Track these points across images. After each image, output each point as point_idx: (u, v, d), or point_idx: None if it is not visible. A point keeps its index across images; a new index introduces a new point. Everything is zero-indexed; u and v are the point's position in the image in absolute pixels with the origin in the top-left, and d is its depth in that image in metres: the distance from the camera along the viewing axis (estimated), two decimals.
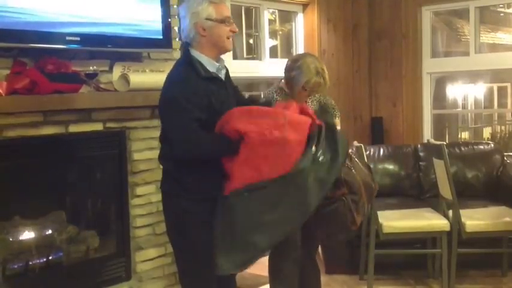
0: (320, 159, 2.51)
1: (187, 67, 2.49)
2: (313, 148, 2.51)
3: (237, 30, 2.57)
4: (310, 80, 3.11)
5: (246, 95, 3.11)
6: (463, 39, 11.35)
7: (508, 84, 13.45)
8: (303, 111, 2.64)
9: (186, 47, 2.55)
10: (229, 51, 2.62)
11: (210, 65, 2.51)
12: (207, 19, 2.47)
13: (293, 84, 3.16)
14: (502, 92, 13.52)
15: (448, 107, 11.71)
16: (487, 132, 12.58)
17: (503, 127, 12.68)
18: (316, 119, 2.60)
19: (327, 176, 2.52)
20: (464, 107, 12.63)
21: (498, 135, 12.02)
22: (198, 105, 2.42)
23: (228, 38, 2.54)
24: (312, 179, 2.47)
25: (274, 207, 2.46)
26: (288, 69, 3.20)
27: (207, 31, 2.48)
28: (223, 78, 2.59)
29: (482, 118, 12.78)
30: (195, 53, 2.51)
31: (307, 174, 2.46)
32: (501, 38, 11.73)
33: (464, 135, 12.25)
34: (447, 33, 10.94)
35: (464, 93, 12.54)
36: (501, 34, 11.92)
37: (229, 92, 2.63)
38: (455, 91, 12.32)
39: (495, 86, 13.46)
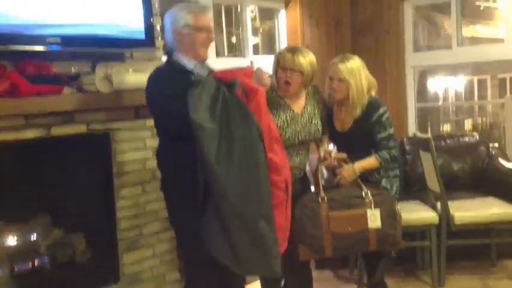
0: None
1: (166, 65, 2.74)
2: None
3: (213, 38, 2.78)
4: (284, 55, 3.11)
5: None
6: (442, 33, 11.45)
7: (488, 77, 13.58)
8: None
9: (168, 53, 2.76)
10: (205, 59, 2.75)
11: (189, 63, 2.69)
12: (184, 26, 2.67)
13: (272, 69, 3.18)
14: (482, 84, 13.64)
15: (430, 100, 11.79)
16: (468, 124, 12.69)
17: (484, 118, 12.80)
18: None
19: None
20: (445, 99, 12.72)
21: (480, 126, 12.12)
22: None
23: (204, 47, 2.71)
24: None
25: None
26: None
27: (184, 37, 2.68)
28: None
29: (464, 110, 12.89)
30: (176, 55, 2.71)
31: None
32: (479, 31, 11.83)
33: (446, 127, 12.36)
34: (427, 27, 11.02)
35: (445, 86, 12.64)
36: (479, 27, 12.02)
37: None
38: (436, 84, 12.41)
39: (475, 79, 13.58)
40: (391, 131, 3.30)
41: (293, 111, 3.15)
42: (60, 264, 3.21)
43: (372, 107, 3.28)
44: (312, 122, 3.19)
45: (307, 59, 3.13)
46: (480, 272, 4.12)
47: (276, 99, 3.14)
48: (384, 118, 3.27)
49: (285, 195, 2.71)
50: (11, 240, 3.09)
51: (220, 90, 2.52)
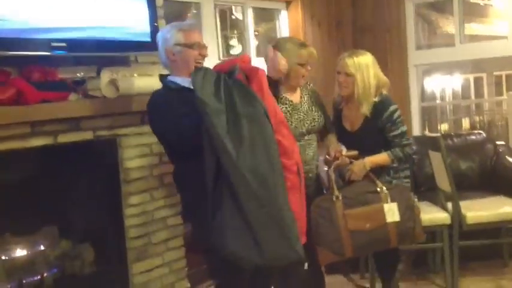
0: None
1: (163, 89, 2.70)
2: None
3: (207, 54, 2.74)
4: (301, 53, 3.10)
5: None
6: (438, 32, 11.43)
7: (484, 75, 13.57)
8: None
9: (161, 79, 2.73)
10: None
11: (183, 82, 2.63)
12: (175, 44, 2.66)
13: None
14: (478, 82, 13.64)
15: (427, 99, 11.74)
16: (466, 122, 12.67)
17: (481, 117, 12.77)
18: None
19: None
20: (442, 98, 12.70)
21: (478, 125, 12.09)
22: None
23: (197, 63, 2.68)
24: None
25: None
26: None
27: (176, 55, 2.67)
28: None
29: (461, 109, 12.87)
30: (170, 77, 2.70)
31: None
32: (475, 28, 11.82)
33: (444, 126, 12.32)
34: (422, 26, 11.01)
35: (442, 85, 12.61)
36: (474, 25, 12.01)
37: None
38: (433, 83, 12.39)
39: (471, 77, 13.57)
40: (404, 128, 3.27)
41: (291, 101, 3.17)
42: (69, 276, 3.13)
43: (382, 105, 3.24)
44: (312, 109, 3.22)
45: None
46: (493, 273, 4.06)
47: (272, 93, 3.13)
48: (395, 115, 3.23)
49: (297, 178, 2.66)
50: (19, 252, 3.00)
51: (221, 78, 2.51)
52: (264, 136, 2.47)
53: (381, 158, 3.20)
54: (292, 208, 2.49)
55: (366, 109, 3.22)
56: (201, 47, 2.70)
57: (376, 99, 3.23)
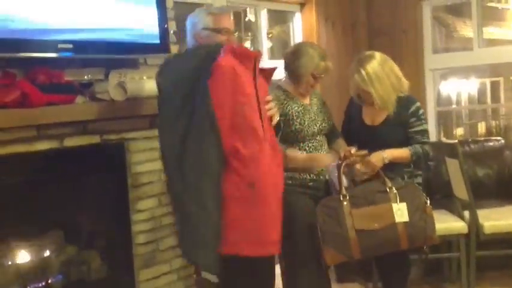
0: None
1: None
2: None
3: (234, 41, 2.66)
4: (319, 65, 3.11)
5: None
6: (454, 35, 11.30)
7: (501, 79, 13.40)
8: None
9: None
10: None
11: None
12: (203, 29, 2.59)
13: (301, 73, 3.11)
14: (495, 86, 13.46)
15: (442, 104, 11.60)
16: (482, 127, 12.50)
17: (497, 121, 12.59)
18: None
19: None
20: (457, 103, 12.56)
21: (494, 129, 11.92)
22: None
23: None
24: None
25: None
26: (289, 62, 3.17)
27: (204, 40, 2.56)
28: None
29: (477, 113, 12.71)
30: None
31: None
32: (493, 32, 11.68)
33: (460, 131, 12.18)
34: (439, 30, 10.89)
35: (458, 89, 12.47)
36: (492, 28, 11.87)
37: None
38: (448, 87, 12.24)
39: (488, 81, 13.41)
40: (426, 126, 3.28)
41: (302, 102, 3.20)
42: (75, 282, 3.07)
43: (407, 100, 3.26)
44: (321, 111, 3.27)
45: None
46: (510, 283, 3.94)
47: (284, 94, 3.18)
48: (420, 111, 3.26)
49: (250, 192, 2.43)
50: (23, 258, 2.95)
51: (195, 74, 2.37)
52: (197, 144, 2.39)
53: (401, 151, 3.20)
54: (227, 217, 2.41)
55: (391, 109, 3.22)
56: (230, 33, 2.63)
57: (401, 94, 3.24)
